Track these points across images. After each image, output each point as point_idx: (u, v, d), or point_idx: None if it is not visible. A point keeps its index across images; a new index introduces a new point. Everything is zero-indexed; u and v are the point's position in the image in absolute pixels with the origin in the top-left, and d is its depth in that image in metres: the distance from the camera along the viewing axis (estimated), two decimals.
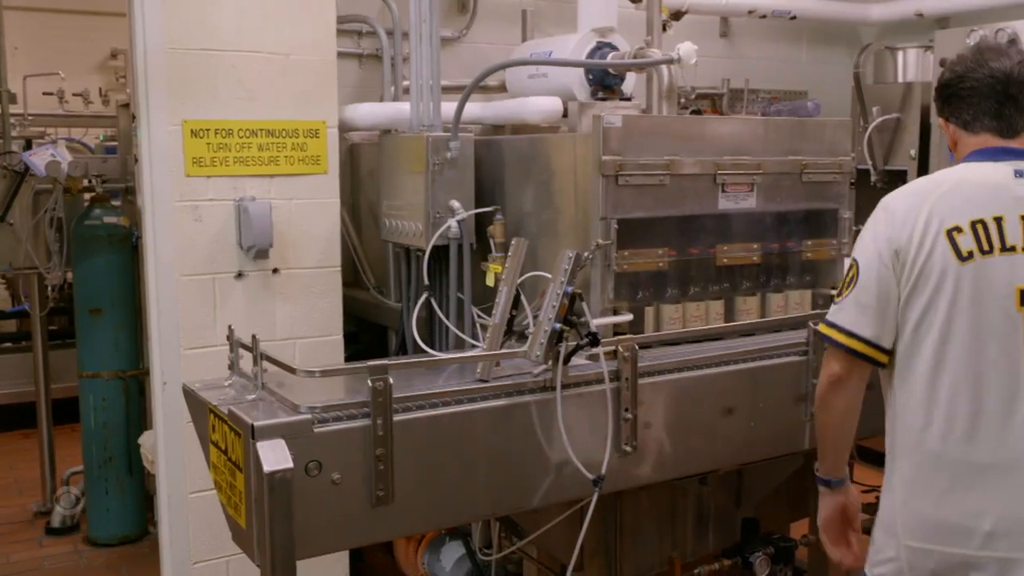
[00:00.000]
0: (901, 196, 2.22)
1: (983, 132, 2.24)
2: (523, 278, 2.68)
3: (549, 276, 2.59)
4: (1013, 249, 2.10)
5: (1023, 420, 2.09)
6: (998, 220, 2.12)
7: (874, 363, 2.23)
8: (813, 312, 3.07)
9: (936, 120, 2.46)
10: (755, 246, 3.11)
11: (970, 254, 2.10)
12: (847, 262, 2.31)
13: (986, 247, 2.10)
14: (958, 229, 2.11)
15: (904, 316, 2.16)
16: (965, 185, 2.18)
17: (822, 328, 2.30)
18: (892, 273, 2.15)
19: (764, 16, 5.56)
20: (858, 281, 2.19)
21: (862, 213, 3.40)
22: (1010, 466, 2.09)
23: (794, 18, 5.68)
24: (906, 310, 2.15)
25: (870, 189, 5.43)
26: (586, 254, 2.68)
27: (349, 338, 3.83)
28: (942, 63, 5.03)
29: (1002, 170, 2.17)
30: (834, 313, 2.26)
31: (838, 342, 2.24)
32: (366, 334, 4.12)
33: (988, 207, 2.13)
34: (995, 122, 2.22)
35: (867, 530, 2.38)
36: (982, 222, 2.12)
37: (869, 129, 5.20)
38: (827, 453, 2.38)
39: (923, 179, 2.28)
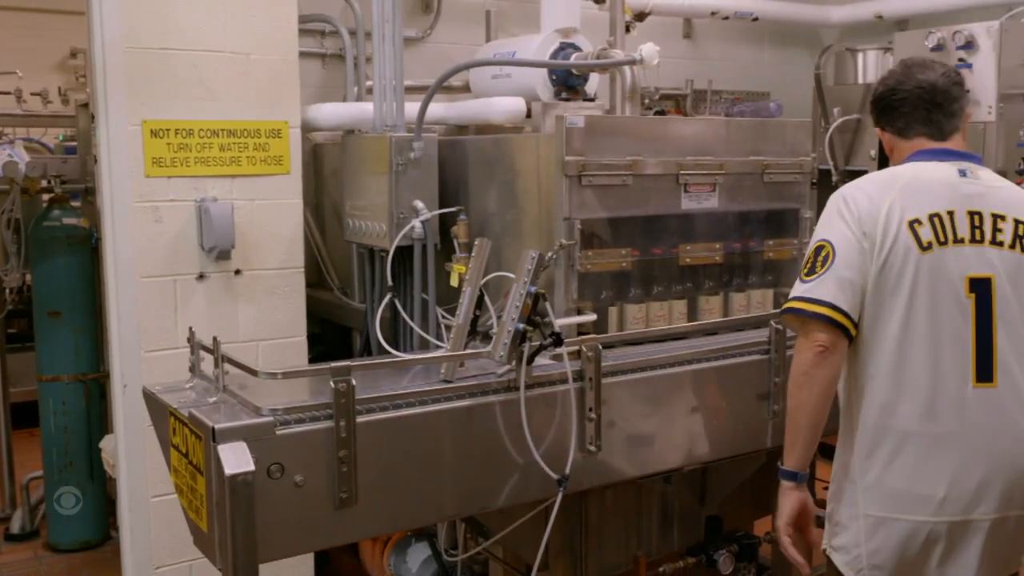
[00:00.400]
0: (861, 188, 2.36)
1: (916, 137, 2.46)
2: (487, 278, 2.68)
3: (513, 276, 2.58)
4: (963, 241, 2.30)
5: (973, 395, 2.27)
6: (950, 214, 2.31)
7: (847, 338, 2.29)
8: (775, 311, 3.10)
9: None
10: (717, 246, 3.13)
11: (929, 244, 2.28)
12: (813, 243, 2.35)
13: (942, 238, 2.29)
14: (918, 221, 2.29)
15: (870, 299, 2.29)
16: (919, 181, 2.35)
17: (796, 304, 2.30)
18: (866, 255, 2.28)
19: (726, 17, 5.60)
20: (836, 259, 2.27)
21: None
22: (962, 437, 2.27)
23: (756, 19, 5.72)
24: (873, 293, 2.28)
25: (831, 189, 5.46)
26: (549, 254, 2.69)
27: (313, 339, 3.81)
28: None
29: (948, 169, 2.38)
30: (811, 289, 2.28)
31: (822, 315, 2.26)
32: (330, 335, 4.10)
33: (941, 202, 2.32)
34: (926, 128, 2.45)
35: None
36: (938, 215, 2.30)
37: (830, 130, 5.25)
38: (798, 442, 2.34)
39: (878, 174, 2.43)
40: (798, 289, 2.32)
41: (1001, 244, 2.30)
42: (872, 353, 2.30)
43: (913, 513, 2.27)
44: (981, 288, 2.28)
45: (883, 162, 5.18)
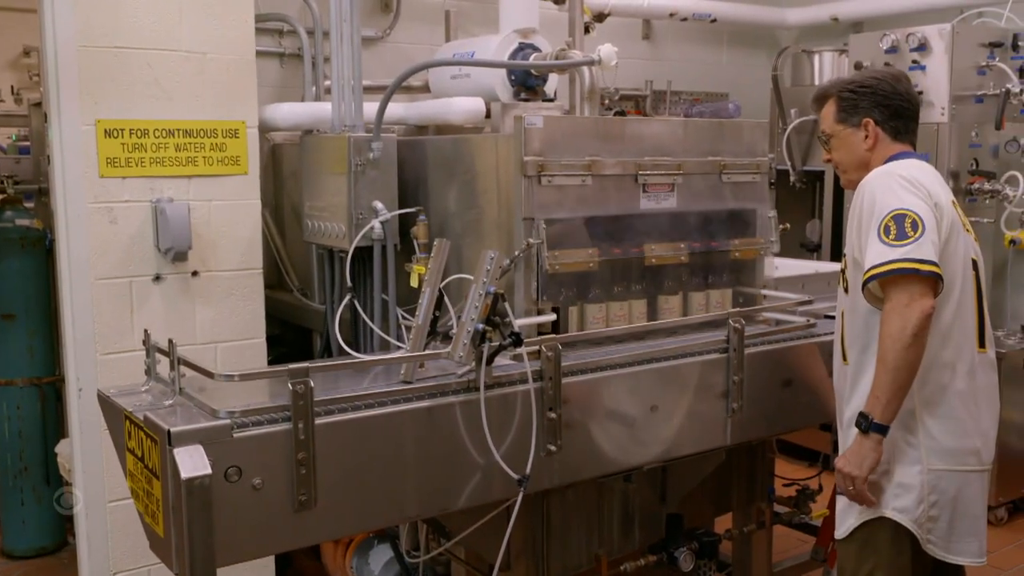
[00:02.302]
0: (913, 168, 2.60)
1: (904, 143, 2.74)
2: (447, 281, 2.68)
3: (472, 278, 2.58)
4: (967, 229, 2.67)
5: (979, 359, 2.65)
6: (954, 204, 2.64)
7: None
8: (734, 310, 3.12)
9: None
10: (677, 246, 3.14)
11: (964, 225, 2.64)
12: (887, 213, 2.48)
13: (961, 222, 2.63)
14: (954, 203, 2.62)
15: (943, 265, 2.51)
16: (934, 175, 2.65)
17: (905, 264, 2.41)
18: (938, 225, 2.50)
19: (685, 19, 5.65)
20: (925, 224, 2.44)
21: (783, 213, 3.49)
22: (982, 394, 2.65)
23: (714, 21, 5.78)
24: (944, 260, 2.51)
25: (789, 189, 5.55)
26: (507, 261, 2.69)
27: (273, 341, 3.79)
28: (857, 66, 5.20)
29: (932, 169, 2.71)
30: (913, 250, 2.42)
31: (936, 272, 2.43)
32: (290, 337, 4.07)
33: (948, 193, 2.65)
34: (912, 137, 2.77)
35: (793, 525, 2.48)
36: (955, 202, 2.65)
37: (788, 130, 5.32)
38: (897, 398, 2.48)
39: (906, 163, 2.63)
40: (893, 252, 2.44)
41: (969, 231, 2.69)
42: (938, 317, 2.51)
43: (965, 464, 2.60)
44: (974, 269, 2.66)
45: None
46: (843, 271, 2.77)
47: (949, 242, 2.55)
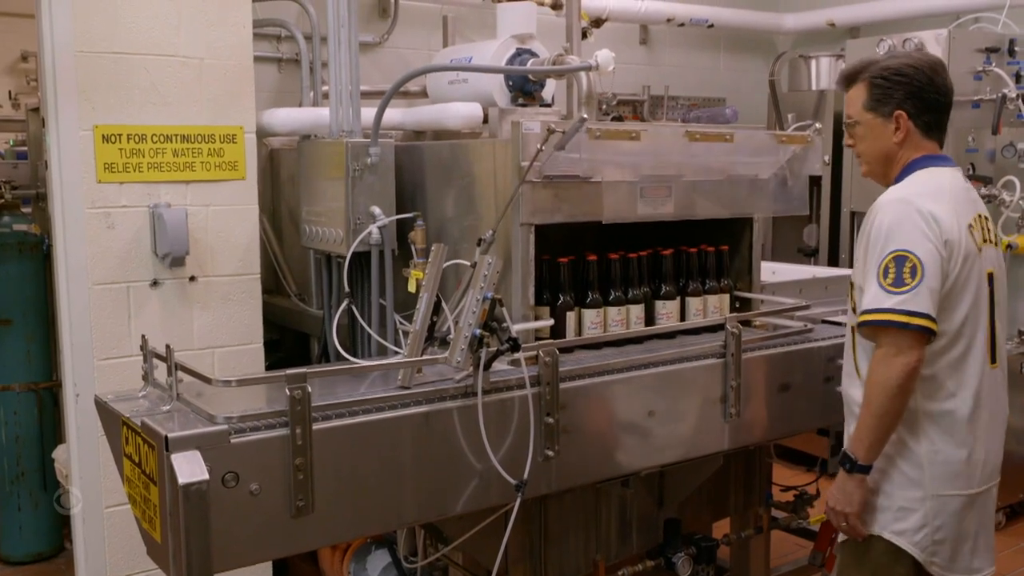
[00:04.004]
0: (928, 197, 2.48)
1: (932, 140, 2.62)
2: (446, 265, 2.67)
3: (467, 264, 2.60)
4: (988, 242, 2.61)
5: (989, 374, 2.58)
6: (978, 219, 2.60)
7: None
8: (731, 315, 3.12)
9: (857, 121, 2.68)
10: (674, 251, 3.15)
11: (979, 247, 2.56)
12: (889, 252, 2.43)
13: (979, 241, 2.57)
14: (971, 225, 2.55)
15: (951, 301, 2.48)
16: (955, 190, 2.57)
17: (895, 317, 2.39)
18: (944, 263, 2.45)
19: (682, 24, 5.66)
20: (925, 270, 2.39)
21: (778, 219, 3.50)
22: (988, 414, 2.59)
23: (711, 26, 5.78)
24: (946, 295, 2.46)
25: None
26: (489, 232, 2.73)
27: (271, 346, 3.78)
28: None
29: (958, 176, 2.63)
30: (907, 301, 2.38)
31: (924, 327, 2.39)
32: (288, 342, 4.07)
33: (971, 208, 2.59)
34: (941, 135, 2.65)
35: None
36: (977, 219, 2.59)
37: None
38: (880, 439, 2.49)
39: (926, 182, 2.54)
40: (887, 300, 2.41)
41: (993, 242, 2.64)
42: (942, 348, 2.49)
43: (968, 487, 2.56)
44: (990, 282, 2.59)
45: (836, 167, 5.27)
46: (852, 287, 2.72)
47: (960, 274, 2.49)
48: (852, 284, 2.68)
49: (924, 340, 2.43)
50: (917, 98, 2.57)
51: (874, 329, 2.46)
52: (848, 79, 2.68)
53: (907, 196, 2.49)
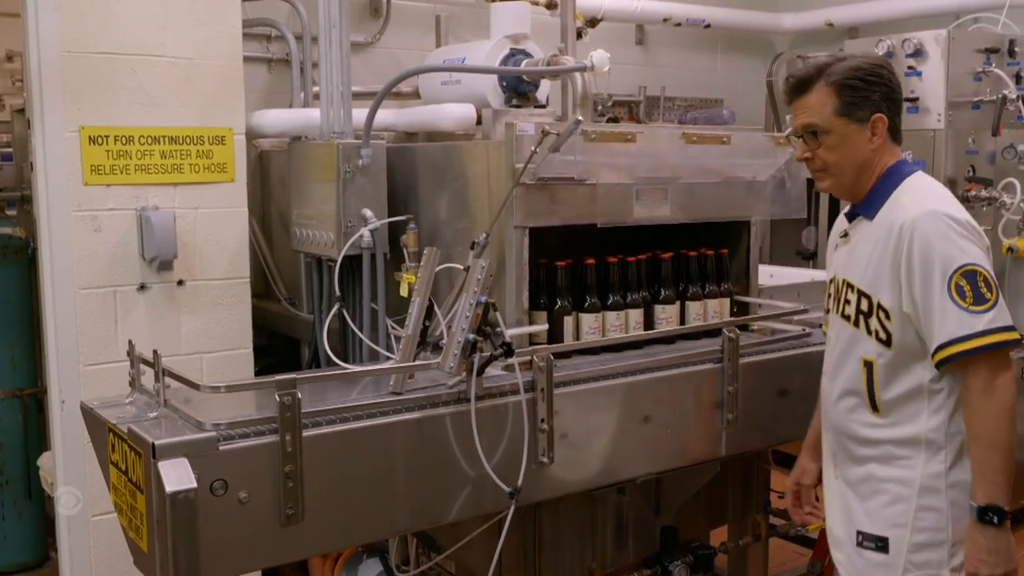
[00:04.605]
0: (953, 206, 2.32)
1: (898, 143, 2.45)
2: (438, 268, 2.64)
3: (460, 267, 2.57)
4: None
5: None
6: None
7: None
8: (728, 320, 3.09)
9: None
10: (674, 254, 3.11)
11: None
12: (956, 269, 2.21)
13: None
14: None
15: None
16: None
17: (991, 339, 2.18)
18: None
19: (679, 24, 5.64)
20: (995, 281, 2.24)
21: (776, 221, 3.47)
22: None
23: (708, 26, 5.76)
24: None
25: None
26: (483, 235, 2.68)
27: (260, 351, 3.74)
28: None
29: None
30: (996, 318, 2.20)
31: (1016, 340, 2.21)
32: (278, 347, 4.03)
33: None
34: (900, 139, 2.46)
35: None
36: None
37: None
38: (1011, 475, 2.21)
39: (934, 188, 2.40)
40: (977, 322, 2.19)
41: None
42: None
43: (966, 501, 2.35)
44: None
45: None
46: (836, 298, 2.48)
47: None
48: (835, 294, 2.47)
49: (1010, 353, 2.24)
50: (891, 100, 2.39)
51: (967, 359, 2.21)
52: (803, 84, 2.39)
53: (937, 208, 2.27)
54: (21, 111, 4.72)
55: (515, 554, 2.98)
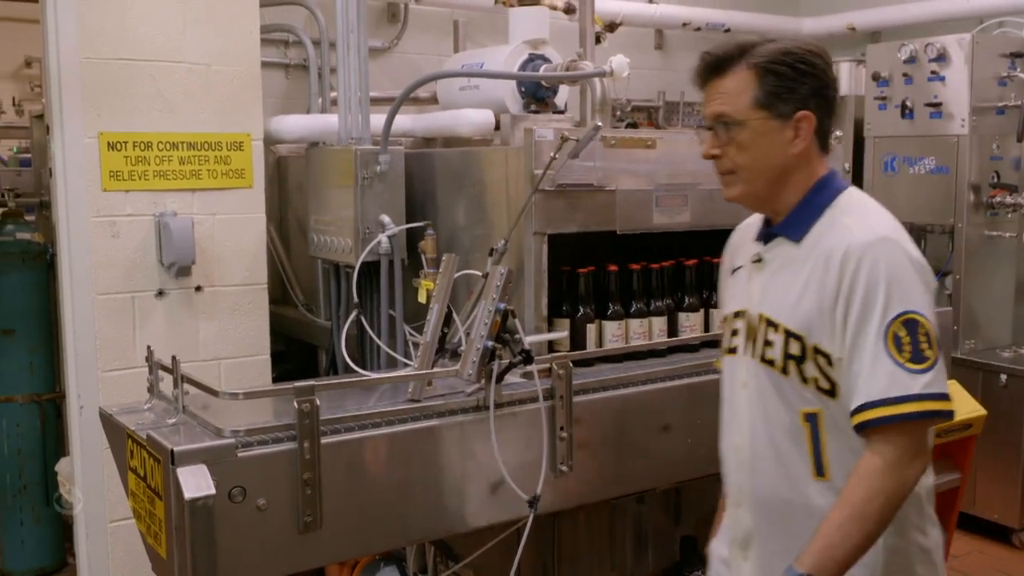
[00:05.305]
0: (904, 236, 1.91)
1: (825, 153, 1.99)
2: (457, 275, 2.63)
3: (479, 274, 2.55)
4: None
5: None
6: None
7: None
8: None
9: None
10: (698, 261, 3.09)
11: None
12: (898, 315, 1.79)
13: None
14: None
15: None
16: None
17: (926, 406, 1.78)
18: None
19: (698, 29, 5.62)
20: (937, 340, 1.82)
21: None
22: None
23: (728, 31, 5.73)
24: None
25: None
26: (501, 241, 2.67)
27: (277, 357, 3.74)
28: (875, 77, 5.14)
29: None
30: (934, 382, 1.79)
31: (949, 412, 1.82)
32: (295, 353, 4.02)
33: None
34: (828, 148, 2.01)
35: None
36: None
37: None
38: (857, 558, 1.81)
39: (881, 212, 1.95)
40: (913, 383, 1.78)
41: None
42: None
43: None
44: None
45: (857, 175, 5.21)
46: (750, 338, 1.99)
47: None
48: (798, 354, 1.90)
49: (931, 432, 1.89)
50: (822, 97, 1.93)
51: (887, 426, 1.79)
52: (720, 64, 1.94)
53: (890, 235, 1.86)
54: (40, 117, 4.73)
55: (533, 563, 2.96)
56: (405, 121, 3.88)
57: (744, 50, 1.92)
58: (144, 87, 3.30)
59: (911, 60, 4.84)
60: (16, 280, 4.38)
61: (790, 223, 1.96)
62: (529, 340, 2.50)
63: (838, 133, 3.37)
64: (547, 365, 2.56)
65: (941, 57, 4.72)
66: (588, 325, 2.87)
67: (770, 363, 1.93)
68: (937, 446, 3.61)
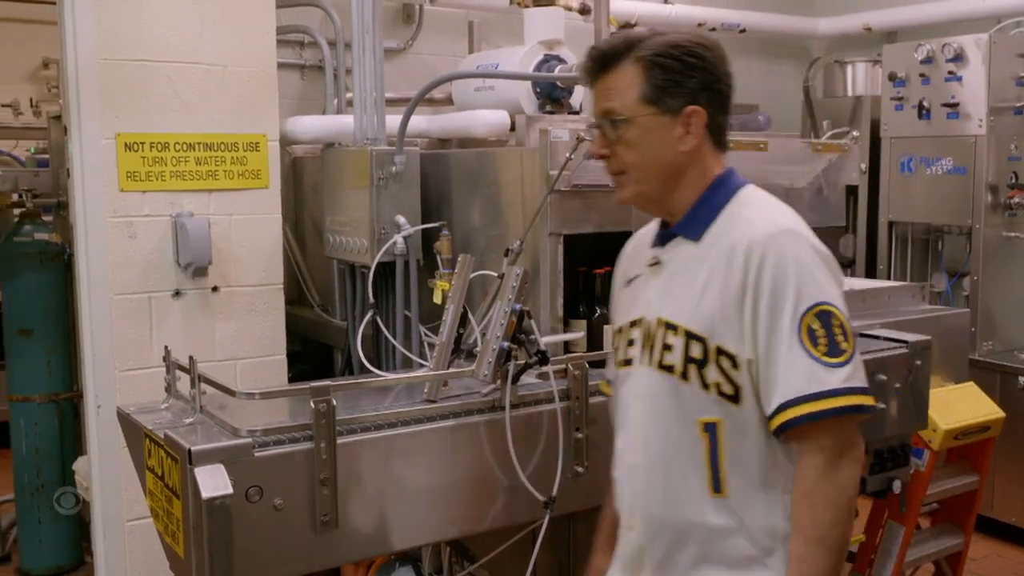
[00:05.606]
0: (811, 232, 1.82)
1: (721, 152, 1.91)
2: (472, 275, 2.63)
3: (494, 275, 2.55)
4: None
5: None
6: None
7: None
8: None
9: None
10: None
11: None
12: (809, 307, 1.72)
13: None
14: None
15: None
16: None
17: (846, 402, 1.70)
18: None
19: (713, 29, 5.61)
20: (852, 332, 1.75)
21: (814, 229, 3.42)
22: None
23: (743, 31, 5.73)
24: None
25: None
26: (517, 242, 2.66)
27: (293, 357, 3.75)
28: (891, 78, 5.13)
29: None
30: (853, 375, 1.72)
31: (872, 407, 1.75)
32: (311, 354, 4.03)
33: None
34: (726, 147, 1.92)
35: None
36: None
37: None
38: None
39: (782, 206, 1.88)
40: (830, 377, 1.70)
41: None
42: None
43: None
44: None
45: (873, 176, 5.19)
46: (647, 346, 1.88)
47: None
48: (700, 357, 1.79)
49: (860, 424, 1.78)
50: (713, 91, 1.85)
51: (809, 426, 1.70)
52: (608, 59, 1.85)
53: (793, 227, 1.79)
54: (57, 118, 4.76)
55: (549, 564, 2.95)
56: (420, 122, 3.88)
57: (631, 44, 1.83)
58: (161, 88, 3.31)
59: (928, 60, 4.82)
60: (34, 280, 4.41)
61: (688, 222, 1.87)
62: (545, 341, 2.49)
63: (855, 133, 3.39)
64: (563, 366, 2.55)
65: (958, 57, 4.70)
66: (604, 326, 2.86)
67: (669, 369, 1.82)
68: (955, 449, 3.65)
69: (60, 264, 4.45)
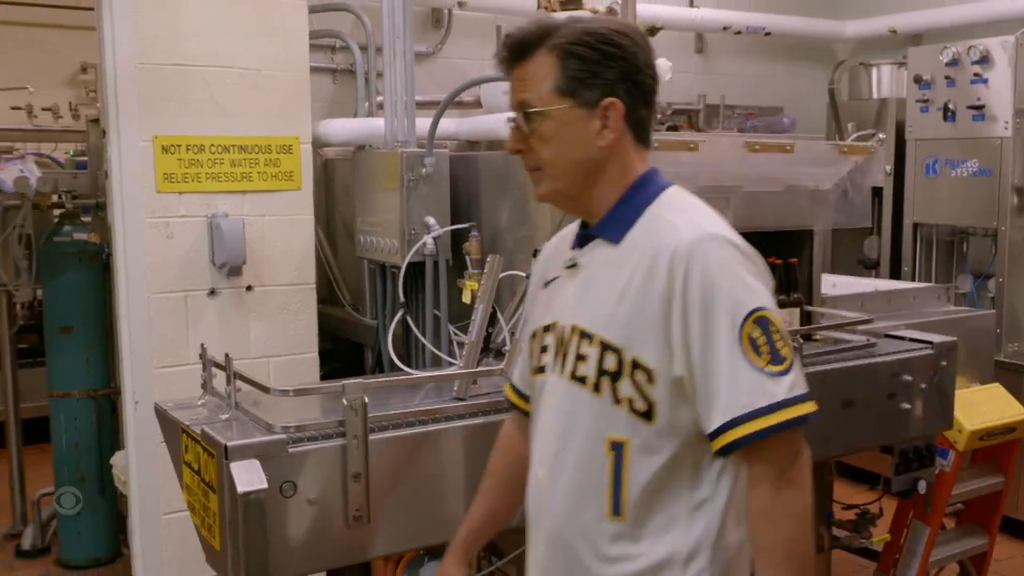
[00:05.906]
0: (736, 234, 1.69)
1: (643, 147, 1.77)
2: (501, 275, 2.65)
3: (523, 275, 2.57)
4: None
5: None
6: None
7: None
8: (793, 329, 3.07)
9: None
10: None
11: None
12: (747, 314, 1.60)
13: None
14: None
15: None
16: None
17: (793, 412, 1.60)
18: None
19: (739, 32, 5.61)
20: (788, 336, 1.65)
21: (838, 230, 3.44)
22: None
23: (768, 34, 5.73)
24: None
25: None
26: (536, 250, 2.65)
27: (324, 356, 3.79)
28: (917, 80, 5.11)
29: None
30: (797, 383, 1.62)
31: (815, 414, 1.65)
32: (342, 352, 4.07)
33: None
34: (649, 142, 1.78)
35: None
36: None
37: None
38: None
39: (705, 207, 1.75)
40: (777, 387, 1.59)
41: None
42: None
43: None
44: None
45: (898, 177, 5.18)
46: (559, 353, 1.76)
47: None
48: (614, 369, 1.66)
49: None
50: (633, 82, 1.69)
51: (758, 443, 1.59)
52: (522, 48, 1.72)
53: (718, 231, 1.65)
54: (96, 121, 4.83)
55: None
56: (449, 124, 3.91)
57: (547, 32, 1.70)
58: (197, 92, 3.36)
59: (953, 63, 4.81)
60: (73, 279, 4.49)
61: (607, 223, 1.74)
62: None
63: (881, 136, 3.40)
64: None
65: (984, 59, 4.68)
66: None
67: (581, 380, 1.70)
68: (980, 450, 3.66)
69: (99, 263, 4.53)
